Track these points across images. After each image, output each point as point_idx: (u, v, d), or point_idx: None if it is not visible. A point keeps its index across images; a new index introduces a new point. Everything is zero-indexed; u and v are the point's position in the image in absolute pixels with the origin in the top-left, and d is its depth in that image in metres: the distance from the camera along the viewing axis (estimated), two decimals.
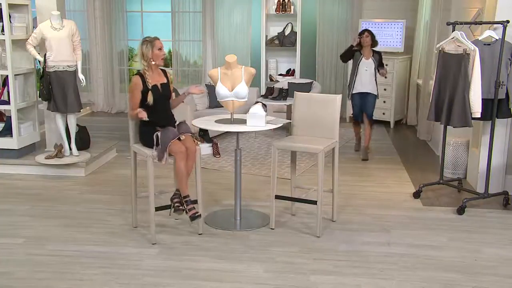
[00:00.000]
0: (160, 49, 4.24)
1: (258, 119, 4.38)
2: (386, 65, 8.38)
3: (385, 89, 8.60)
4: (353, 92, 6.81)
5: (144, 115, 4.14)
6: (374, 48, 6.77)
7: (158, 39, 4.27)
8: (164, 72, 4.40)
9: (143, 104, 4.23)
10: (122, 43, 10.06)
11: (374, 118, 7.06)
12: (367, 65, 6.68)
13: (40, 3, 6.11)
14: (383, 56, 6.89)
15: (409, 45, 8.76)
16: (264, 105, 4.58)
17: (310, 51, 9.51)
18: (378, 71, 6.73)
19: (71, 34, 5.94)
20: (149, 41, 4.23)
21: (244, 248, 4.17)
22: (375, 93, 6.80)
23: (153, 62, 4.26)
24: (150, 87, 4.21)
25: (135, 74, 4.31)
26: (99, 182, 5.80)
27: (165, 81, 4.35)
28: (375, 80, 6.77)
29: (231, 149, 7.01)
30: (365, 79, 6.70)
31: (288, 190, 4.87)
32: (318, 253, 4.09)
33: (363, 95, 6.77)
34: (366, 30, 6.78)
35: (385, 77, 7.05)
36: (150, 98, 4.20)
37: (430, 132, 7.56)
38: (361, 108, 6.84)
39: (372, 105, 6.84)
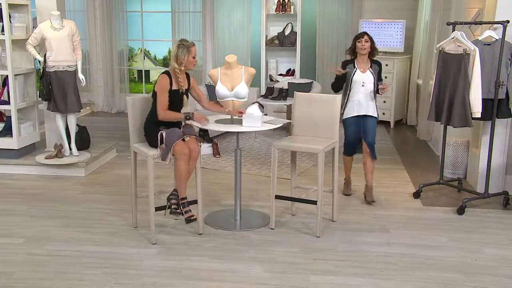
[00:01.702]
0: (194, 57, 4.24)
1: (254, 120, 4.37)
2: (386, 65, 8.43)
3: None
4: (346, 116, 5.13)
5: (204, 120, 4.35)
6: (372, 58, 5.17)
7: (194, 45, 4.26)
8: (188, 76, 4.40)
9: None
10: (122, 43, 10.06)
11: None
12: (364, 79, 5.05)
13: (40, 3, 6.11)
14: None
15: (409, 45, 8.76)
16: (261, 105, 4.56)
17: (310, 51, 9.51)
18: (377, 86, 5.10)
19: (71, 34, 5.94)
20: (187, 47, 4.19)
21: (244, 248, 4.16)
22: (376, 115, 5.18)
23: (182, 68, 4.23)
24: (182, 90, 4.26)
25: (162, 73, 4.25)
26: (99, 182, 5.80)
27: (186, 86, 4.36)
28: (375, 98, 5.18)
29: (231, 149, 7.01)
30: (363, 98, 5.08)
31: (288, 190, 4.87)
32: (318, 253, 4.09)
33: (360, 119, 5.13)
34: (365, 33, 5.13)
35: (380, 94, 5.20)
36: (185, 102, 4.35)
37: (430, 132, 7.56)
38: (357, 136, 5.20)
39: (374, 130, 5.14)
